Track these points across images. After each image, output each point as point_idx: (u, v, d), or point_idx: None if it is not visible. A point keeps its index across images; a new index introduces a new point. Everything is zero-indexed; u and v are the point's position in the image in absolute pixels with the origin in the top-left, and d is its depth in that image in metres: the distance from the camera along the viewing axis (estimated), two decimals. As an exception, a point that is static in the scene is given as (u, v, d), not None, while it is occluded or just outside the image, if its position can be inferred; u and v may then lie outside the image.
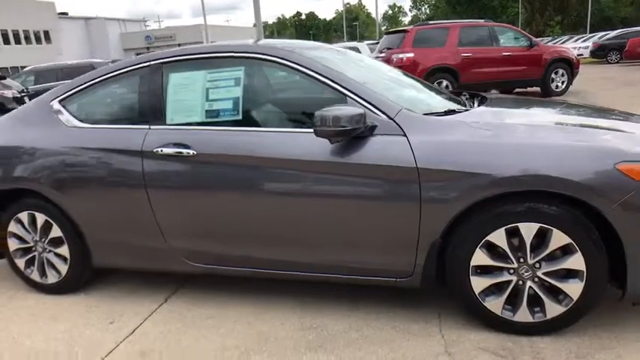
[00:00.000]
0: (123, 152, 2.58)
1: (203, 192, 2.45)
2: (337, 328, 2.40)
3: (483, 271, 2.17)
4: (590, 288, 2.05)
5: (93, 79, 2.82)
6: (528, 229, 2.05)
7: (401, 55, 9.98)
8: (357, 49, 15.72)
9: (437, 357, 2.11)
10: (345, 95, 2.30)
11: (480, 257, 2.14)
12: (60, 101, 2.86)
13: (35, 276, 3.01)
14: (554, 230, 2.02)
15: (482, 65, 10.23)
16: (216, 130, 2.45)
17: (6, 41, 38.58)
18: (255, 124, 2.46)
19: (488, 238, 2.10)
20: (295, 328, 2.44)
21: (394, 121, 2.21)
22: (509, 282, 2.15)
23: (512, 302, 2.18)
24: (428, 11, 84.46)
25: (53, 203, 2.78)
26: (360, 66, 2.93)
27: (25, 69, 15.51)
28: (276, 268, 2.50)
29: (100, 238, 2.78)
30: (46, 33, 42.09)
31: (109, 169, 2.61)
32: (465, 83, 10.09)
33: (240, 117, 2.45)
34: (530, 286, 2.13)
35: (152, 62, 2.67)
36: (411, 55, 9.94)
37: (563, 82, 10.88)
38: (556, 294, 2.12)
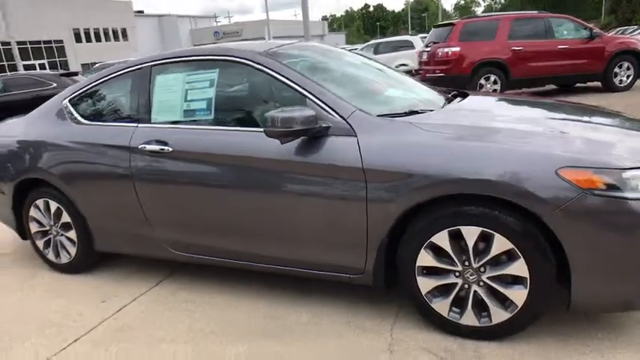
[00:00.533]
0: (115, 148, 2.83)
1: (179, 186, 2.64)
2: (297, 320, 2.51)
3: (429, 272, 2.19)
4: (535, 295, 2.01)
5: (96, 80, 3.10)
6: (470, 233, 2.04)
7: (446, 50, 9.74)
8: (410, 43, 15.52)
9: (378, 354, 2.16)
10: (305, 96, 2.38)
11: (424, 258, 2.15)
12: (69, 100, 3.17)
13: (51, 256, 3.36)
14: (497, 235, 1.99)
15: (535, 59, 9.72)
16: (191, 129, 2.63)
17: (88, 39, 41.69)
18: (225, 123, 2.59)
19: (432, 239, 2.11)
20: (259, 317, 2.57)
21: (347, 122, 2.27)
22: (454, 284, 2.15)
23: (460, 305, 2.18)
24: (502, 0, 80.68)
25: (61, 192, 3.10)
26: (343, 66, 2.99)
27: (95, 65, 16.76)
28: (242, 259, 2.65)
29: (99, 224, 3.06)
30: (124, 30, 44.99)
31: (105, 163, 2.87)
32: (517, 78, 9.69)
33: (212, 116, 2.61)
34: (475, 290, 2.12)
35: (144, 65, 2.89)
36: (456, 49, 9.68)
37: (628, 77, 10.09)
38: (502, 299, 2.09)
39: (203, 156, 2.55)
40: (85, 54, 39.42)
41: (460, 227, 2.05)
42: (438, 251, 2.14)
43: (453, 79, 9.84)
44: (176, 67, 2.80)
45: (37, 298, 3.05)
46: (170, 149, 2.63)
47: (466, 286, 2.13)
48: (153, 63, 2.87)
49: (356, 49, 24.39)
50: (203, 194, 2.58)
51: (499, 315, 2.09)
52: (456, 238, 2.09)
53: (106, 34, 43.51)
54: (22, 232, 3.49)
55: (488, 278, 2.08)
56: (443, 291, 2.20)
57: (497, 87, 9.72)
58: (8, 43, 35.83)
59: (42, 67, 35.18)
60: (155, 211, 2.78)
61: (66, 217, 3.18)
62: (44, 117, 3.27)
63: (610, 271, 1.91)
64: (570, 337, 2.14)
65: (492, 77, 9.70)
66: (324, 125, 2.27)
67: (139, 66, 2.91)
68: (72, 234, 3.20)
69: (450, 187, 2.01)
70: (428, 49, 10.42)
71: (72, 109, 3.13)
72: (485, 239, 2.03)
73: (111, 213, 2.98)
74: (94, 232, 3.12)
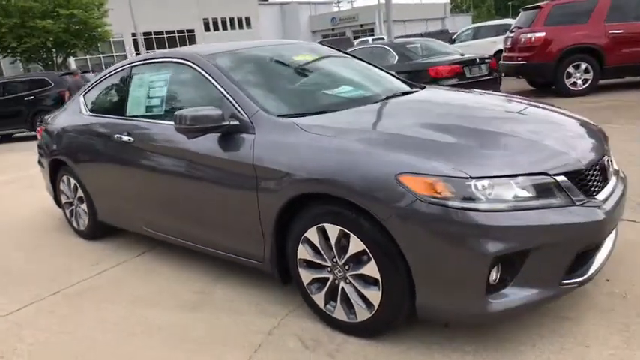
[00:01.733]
0: (103, 137, 3.35)
1: (138, 172, 3.07)
2: (219, 297, 2.80)
3: (308, 265, 2.31)
4: (388, 298, 2.04)
5: (100, 77, 3.65)
6: (333, 231, 2.14)
7: (529, 35, 9.01)
8: (507, 27, 14.42)
9: (256, 334, 2.37)
10: (223, 96, 2.62)
11: (302, 251, 2.29)
12: (83, 94, 3.77)
13: (74, 224, 4.06)
14: (352, 235, 2.07)
15: (638, 44, 8.57)
16: (147, 123, 3.03)
17: (216, 28, 45.26)
18: (168, 118, 2.91)
19: (306, 234, 2.24)
20: (191, 291, 2.91)
21: (250, 121, 2.46)
22: (327, 279, 2.26)
23: (335, 299, 2.28)
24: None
25: (74, 172, 3.73)
26: (295, 67, 3.13)
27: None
28: (183, 239, 3.00)
29: (99, 199, 3.64)
30: (247, 19, 47.94)
31: (97, 149, 3.41)
32: (614, 66, 8.64)
33: (162, 112, 2.98)
34: (342, 287, 2.21)
35: (126, 66, 3.36)
36: (541, 34, 8.89)
37: None
38: (366, 298, 2.16)
39: (150, 147, 2.94)
40: (212, 42, 42.88)
41: (325, 225, 2.15)
42: (312, 246, 2.26)
43: (535, 68, 9.13)
44: (145, 69, 3.22)
45: (55, 256, 3.73)
46: (132, 140, 3.06)
47: (336, 281, 2.23)
48: (132, 64, 3.32)
49: (382, 38, 23.11)
50: (151, 180, 2.97)
51: (362, 313, 2.16)
52: (325, 235, 2.19)
53: (231, 22, 46.82)
54: (58, 201, 4.25)
55: (351, 276, 2.16)
56: (320, 284, 2.31)
57: (589, 76, 8.76)
58: (149, 33, 40.27)
59: (175, 54, 39.07)
60: (130, 192, 3.25)
61: (80, 192, 3.81)
62: (70, 108, 3.93)
63: (443, 281, 1.89)
64: (419, 344, 2.13)
65: (583, 65, 8.77)
66: (232, 123, 2.49)
67: (124, 66, 3.38)
68: (84, 206, 3.83)
69: (310, 187, 2.13)
70: (512, 34, 9.71)
71: (82, 102, 3.73)
72: (347, 238, 2.11)
73: (103, 191, 3.53)
74: (96, 205, 3.70)
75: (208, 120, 2.42)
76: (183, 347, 2.34)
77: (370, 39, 24.98)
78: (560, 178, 1.93)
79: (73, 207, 4.01)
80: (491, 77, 7.93)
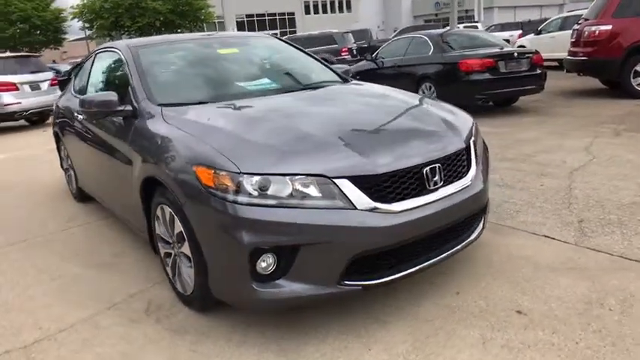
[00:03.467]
0: (71, 112, 3.88)
1: (83, 145, 3.55)
2: (128, 261, 3.18)
3: (162, 240, 2.58)
4: (198, 276, 2.23)
5: (81, 61, 4.18)
6: (167, 211, 2.40)
7: (593, 28, 8.17)
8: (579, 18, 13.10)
9: (122, 295, 2.70)
10: (129, 83, 2.94)
11: (157, 227, 2.58)
12: (74, 75, 4.35)
13: (70, 188, 4.72)
14: (176, 218, 2.28)
15: None
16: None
17: (316, 11, 45.96)
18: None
19: (157, 212, 2.52)
20: (111, 254, 3.33)
21: (137, 108, 2.77)
22: (171, 253, 2.53)
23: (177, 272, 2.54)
24: None
25: (64, 142, 4.35)
26: (220, 59, 3.36)
27: (284, 37, 18.88)
28: (108, 208, 3.42)
29: (76, 167, 4.22)
30: (348, 2, 48.02)
31: (71, 123, 3.96)
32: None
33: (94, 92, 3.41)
34: (178, 261, 2.45)
35: (93, 53, 3.84)
36: (607, 27, 8.01)
37: None
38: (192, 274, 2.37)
39: (88, 125, 3.40)
40: (311, 25, 43.66)
41: (162, 205, 2.41)
42: (161, 223, 2.52)
43: (598, 65, 8.29)
44: (101, 55, 3.67)
45: (42, 211, 4.41)
46: (81, 117, 3.53)
47: (175, 256, 2.48)
48: (96, 51, 3.78)
49: (475, 26, 21.12)
50: (87, 153, 3.45)
51: (189, 287, 2.39)
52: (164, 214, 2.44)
53: (332, 6, 47.22)
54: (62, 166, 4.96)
55: (180, 253, 2.39)
56: (168, 258, 2.57)
57: (664, 76, 7.77)
58: (252, 15, 42.05)
59: (274, 36, 40.55)
60: (80, 162, 3.76)
61: (70, 161, 4.43)
62: (67, 88, 4.54)
63: (221, 266, 2.06)
64: (239, 324, 2.30)
65: (655, 64, 7.79)
66: (126, 109, 2.81)
67: (93, 53, 3.87)
68: (72, 172, 4.45)
69: (151, 170, 2.40)
70: (578, 27, 8.86)
71: (71, 83, 4.31)
72: (173, 219, 2.34)
73: (76, 161, 4.09)
74: (77, 172, 4.29)
75: (105, 105, 2.77)
76: (61, 295, 2.76)
77: (461, 26, 23.84)
78: (341, 181, 1.97)
79: (70, 172, 4.65)
80: (533, 73, 7.37)
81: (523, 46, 14.52)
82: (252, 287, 1.99)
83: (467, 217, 2.41)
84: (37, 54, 14.67)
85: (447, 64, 7.35)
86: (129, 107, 2.81)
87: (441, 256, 2.26)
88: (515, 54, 7.25)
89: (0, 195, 5.21)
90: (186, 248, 2.27)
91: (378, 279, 2.08)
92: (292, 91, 3.07)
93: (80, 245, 3.52)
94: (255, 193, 1.95)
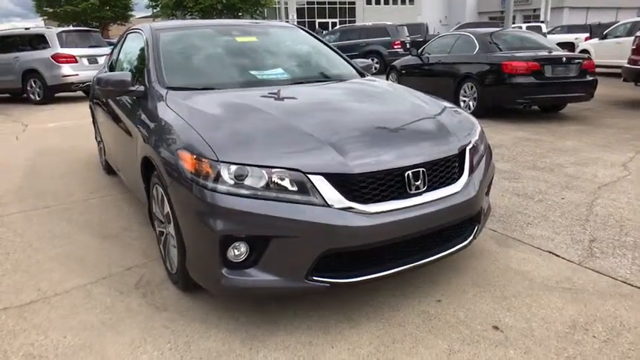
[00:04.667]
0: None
1: (107, 119, 3.73)
2: (131, 235, 3.32)
3: (157, 218, 2.68)
4: (181, 256, 2.31)
5: (116, 42, 4.36)
6: (159, 192, 2.47)
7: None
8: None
9: (119, 267, 2.83)
10: (146, 65, 3.05)
11: (153, 205, 2.67)
12: (110, 52, 4.54)
13: (100, 159, 4.96)
14: (166, 199, 2.36)
15: None
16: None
17: (377, 2, 45.32)
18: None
19: (152, 191, 2.62)
20: (119, 227, 3.49)
21: (148, 89, 2.87)
22: (164, 232, 2.62)
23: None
24: None
25: (94, 114, 4.58)
26: (233, 47, 3.40)
27: (335, 27, 18.82)
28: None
29: (104, 141, 4.42)
30: (412, -5, 47.08)
31: (99, 98, 4.15)
32: None
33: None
34: (168, 241, 2.54)
35: (126, 32, 3.99)
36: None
37: None
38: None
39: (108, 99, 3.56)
40: (372, 15, 43.17)
41: (157, 185, 2.49)
42: (157, 202, 2.62)
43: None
44: (130, 35, 3.80)
45: (73, 180, 4.66)
46: (104, 93, 3.71)
47: (167, 235, 2.56)
48: (128, 32, 3.94)
49: (539, 27, 20.00)
50: (109, 127, 3.62)
51: (174, 266, 2.47)
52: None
53: (394, -3, 46.49)
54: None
55: (169, 232, 2.47)
56: (161, 237, 2.67)
57: None
58: (312, 3, 42.06)
59: (334, 25, 40.37)
60: (105, 136, 3.94)
61: (99, 134, 4.66)
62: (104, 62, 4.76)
63: (195, 249, 2.12)
64: (218, 310, 2.36)
65: None
66: (139, 89, 2.92)
67: (125, 32, 4.02)
68: (102, 145, 4.67)
69: (148, 151, 2.48)
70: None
71: (105, 59, 4.50)
72: (163, 200, 2.41)
73: (103, 135, 4.29)
74: (105, 145, 4.50)
75: (119, 84, 2.89)
76: (66, 262, 2.92)
77: (524, 26, 22.82)
78: (316, 178, 1.97)
79: (100, 145, 4.89)
80: (582, 80, 6.97)
81: (586, 51, 13.75)
82: (222, 273, 2.03)
83: (454, 225, 2.35)
84: (97, 29, 15.36)
85: (491, 65, 7.08)
86: (141, 88, 2.91)
87: (420, 261, 2.22)
88: (564, 59, 6.87)
89: (42, 161, 5.55)
90: (172, 228, 2.35)
91: (347, 278, 2.07)
92: (302, 82, 3.08)
93: (95, 216, 3.71)
94: (232, 182, 1.98)
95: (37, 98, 11.00)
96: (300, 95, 2.83)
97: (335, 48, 3.77)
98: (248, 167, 1.98)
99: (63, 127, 7.83)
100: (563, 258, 2.80)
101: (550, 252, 2.88)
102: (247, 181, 1.98)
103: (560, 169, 4.62)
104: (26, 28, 11.98)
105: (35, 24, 32.69)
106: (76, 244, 3.21)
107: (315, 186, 1.97)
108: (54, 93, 11.01)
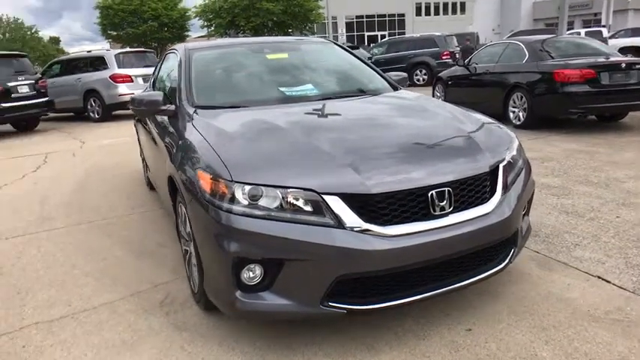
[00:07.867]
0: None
1: (146, 136, 3.82)
2: (166, 252, 3.36)
3: (182, 236, 2.69)
4: (201, 276, 2.29)
5: (159, 59, 4.49)
6: (182, 210, 2.48)
7: None
8: None
9: (148, 284, 2.86)
10: (178, 85, 3.10)
11: (178, 223, 2.69)
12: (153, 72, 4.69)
13: (144, 176, 5.12)
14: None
15: None
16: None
17: (427, 13, 44.82)
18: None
19: (178, 209, 2.63)
20: (156, 244, 3.54)
21: (178, 108, 2.91)
22: (188, 251, 2.61)
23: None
24: None
25: (137, 131, 4.74)
26: (263, 65, 3.41)
27: (383, 40, 18.70)
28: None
29: (145, 157, 4.55)
30: (462, 4, 46.11)
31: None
32: None
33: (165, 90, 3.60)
34: (191, 259, 2.53)
35: (166, 53, 4.09)
36: None
37: None
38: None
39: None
40: (421, 27, 42.74)
41: (180, 204, 2.50)
42: (182, 220, 2.62)
43: None
44: (168, 56, 3.91)
45: (117, 195, 4.82)
46: (144, 112, 3.82)
47: (190, 253, 2.55)
48: (167, 52, 4.05)
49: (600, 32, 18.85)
50: (147, 144, 3.71)
51: (196, 286, 2.45)
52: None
53: (444, 7, 45.76)
54: (142, 156, 5.38)
55: (192, 251, 2.46)
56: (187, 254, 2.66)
57: None
58: (361, 16, 42.28)
59: (382, 37, 40.30)
60: (146, 153, 4.05)
61: (142, 151, 4.80)
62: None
63: (210, 269, 2.08)
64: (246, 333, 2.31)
65: None
66: (170, 108, 2.97)
67: (165, 53, 4.14)
68: (145, 163, 4.81)
69: (172, 169, 2.50)
70: None
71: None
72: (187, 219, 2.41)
73: (144, 152, 4.41)
74: (147, 162, 4.62)
75: (151, 104, 2.95)
76: (99, 277, 2.99)
77: (583, 31, 21.74)
78: (331, 198, 1.89)
79: (144, 162, 5.04)
80: (643, 88, 6.48)
81: (651, 55, 12.87)
82: (236, 296, 1.98)
83: (488, 248, 2.18)
84: (151, 50, 16.09)
85: (542, 74, 6.73)
86: (172, 107, 2.96)
87: (448, 287, 2.07)
88: (623, 64, 6.41)
89: (92, 177, 5.81)
90: (193, 247, 2.33)
91: (365, 305, 1.96)
92: (332, 98, 3.02)
93: (133, 232, 3.79)
94: (246, 202, 1.93)
95: (96, 116, 11.63)
96: (327, 111, 2.77)
97: (368, 62, 3.69)
98: (262, 187, 1.93)
99: (115, 144, 8.20)
100: (614, 284, 2.55)
101: (599, 277, 2.63)
102: (262, 202, 1.93)
103: (617, 184, 4.27)
104: (88, 51, 12.75)
105: (101, 46, 35.09)
106: (110, 259, 3.28)
107: (330, 207, 1.89)
108: (111, 111, 11.60)
